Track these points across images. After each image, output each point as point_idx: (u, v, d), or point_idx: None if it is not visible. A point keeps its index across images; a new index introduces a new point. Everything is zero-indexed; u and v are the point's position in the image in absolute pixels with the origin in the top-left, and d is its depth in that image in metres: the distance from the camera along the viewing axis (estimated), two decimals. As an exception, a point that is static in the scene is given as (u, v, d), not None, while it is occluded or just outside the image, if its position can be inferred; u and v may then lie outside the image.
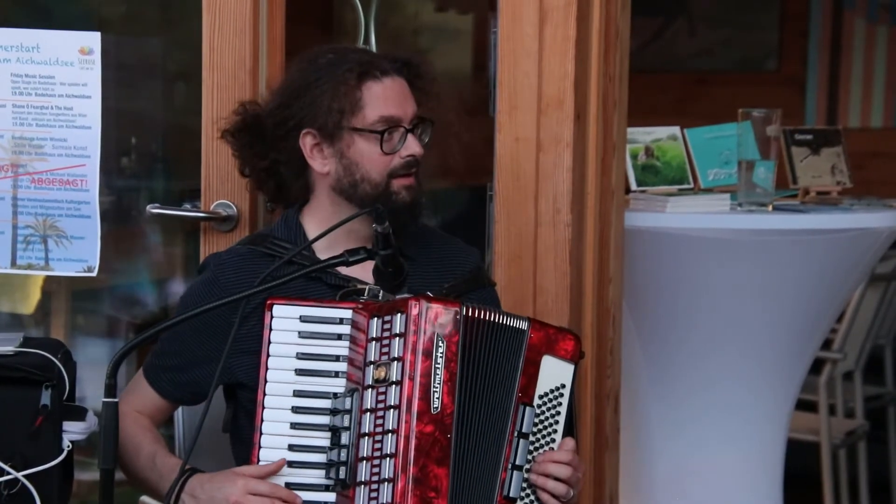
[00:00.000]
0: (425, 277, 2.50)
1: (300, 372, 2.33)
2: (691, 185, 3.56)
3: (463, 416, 2.29)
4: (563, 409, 2.38)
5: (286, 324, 2.34)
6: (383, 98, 2.45)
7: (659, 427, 3.62)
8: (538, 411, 2.36)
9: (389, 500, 2.23)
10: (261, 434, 2.32)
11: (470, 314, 2.32)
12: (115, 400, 2.21)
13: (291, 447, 2.30)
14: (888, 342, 5.04)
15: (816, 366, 4.12)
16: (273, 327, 2.34)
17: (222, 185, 2.95)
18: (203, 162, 2.96)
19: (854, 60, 6.41)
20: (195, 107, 2.97)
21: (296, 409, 2.32)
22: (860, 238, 3.51)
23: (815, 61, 6.47)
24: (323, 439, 2.30)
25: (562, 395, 2.38)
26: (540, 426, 2.36)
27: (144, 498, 2.62)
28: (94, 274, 2.57)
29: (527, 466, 2.34)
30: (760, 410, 3.64)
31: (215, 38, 2.94)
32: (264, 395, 2.32)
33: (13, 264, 2.57)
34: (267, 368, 2.33)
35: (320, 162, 2.47)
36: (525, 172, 2.89)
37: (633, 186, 3.48)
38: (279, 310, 2.34)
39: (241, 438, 2.46)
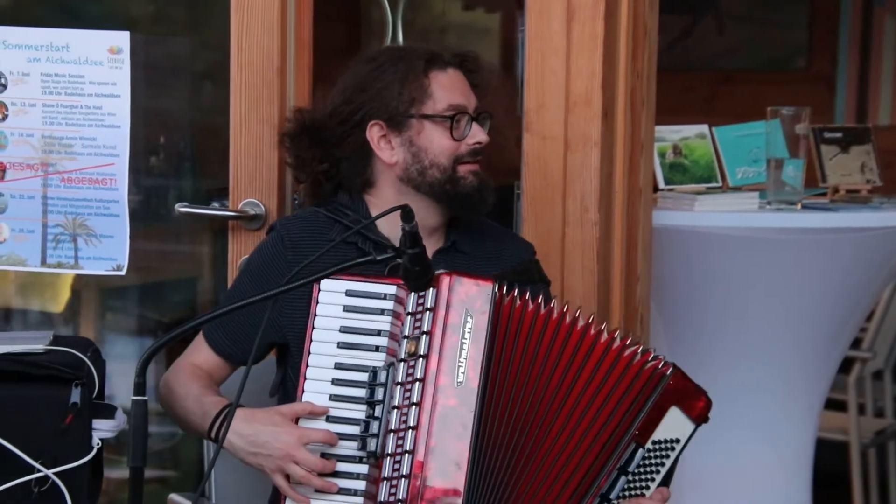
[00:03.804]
0: (477, 271, 2.50)
1: (342, 345, 2.34)
2: (719, 184, 3.54)
3: (493, 394, 2.28)
4: (669, 462, 2.36)
5: (332, 297, 2.35)
6: (449, 87, 2.52)
7: (687, 426, 3.60)
8: (646, 454, 2.34)
9: (409, 472, 2.24)
10: None
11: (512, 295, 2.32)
12: (145, 398, 2.21)
13: (329, 419, 2.32)
14: (918, 341, 5.01)
15: (846, 365, 4.10)
16: (319, 300, 2.35)
17: (250, 183, 2.96)
18: (231, 161, 2.97)
19: (884, 58, 6.36)
20: (223, 106, 2.98)
21: (336, 382, 2.33)
22: (890, 236, 3.49)
23: (844, 59, 6.42)
24: (360, 412, 2.31)
25: (673, 448, 2.36)
26: (641, 469, 2.34)
27: (173, 496, 2.63)
28: (124, 272, 2.58)
29: (615, 502, 2.32)
30: (790, 409, 3.62)
31: (243, 36, 2.95)
32: (307, 366, 2.34)
33: (43, 263, 2.58)
34: (311, 341, 2.34)
35: (388, 152, 2.52)
36: (553, 171, 2.88)
37: (661, 185, 3.47)
38: (326, 283, 2.35)
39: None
